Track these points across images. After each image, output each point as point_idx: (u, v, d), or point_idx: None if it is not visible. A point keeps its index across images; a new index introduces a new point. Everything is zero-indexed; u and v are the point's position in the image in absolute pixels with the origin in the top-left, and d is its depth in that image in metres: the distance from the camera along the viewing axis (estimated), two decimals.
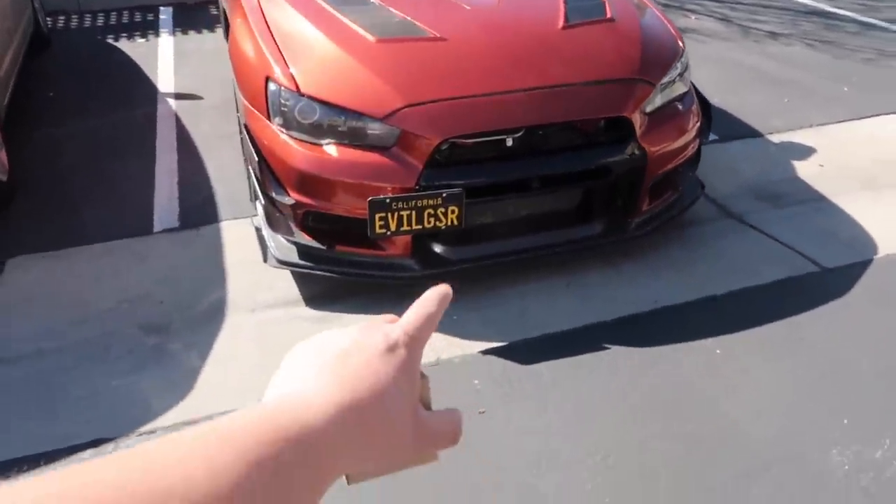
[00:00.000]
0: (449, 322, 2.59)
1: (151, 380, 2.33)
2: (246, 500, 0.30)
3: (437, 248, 2.67)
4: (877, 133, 4.23)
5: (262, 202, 2.72)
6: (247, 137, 2.79)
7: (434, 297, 0.48)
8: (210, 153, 3.95)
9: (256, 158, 2.63)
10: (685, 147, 2.90)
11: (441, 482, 1.93)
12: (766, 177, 3.70)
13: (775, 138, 4.14)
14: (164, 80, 5.10)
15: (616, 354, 2.40)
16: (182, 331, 2.57)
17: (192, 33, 6.26)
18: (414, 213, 2.43)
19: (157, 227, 3.24)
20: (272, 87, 2.59)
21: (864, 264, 2.91)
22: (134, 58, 5.40)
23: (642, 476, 1.95)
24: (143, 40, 5.86)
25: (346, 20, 2.76)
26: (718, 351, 2.42)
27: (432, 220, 2.47)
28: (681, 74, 2.91)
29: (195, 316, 2.65)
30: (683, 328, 2.53)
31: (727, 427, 2.10)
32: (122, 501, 0.27)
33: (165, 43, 5.87)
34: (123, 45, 5.71)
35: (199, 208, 3.38)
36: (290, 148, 2.54)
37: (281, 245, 2.72)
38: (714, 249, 3.03)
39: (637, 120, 2.67)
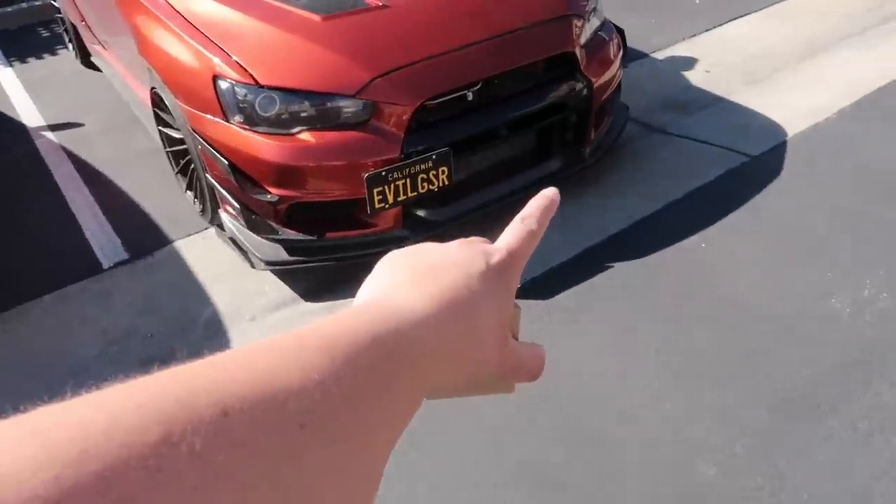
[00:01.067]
0: None
1: None
2: (354, 406, 0.28)
3: (424, 214, 2.70)
4: (738, 34, 4.71)
5: (236, 207, 2.61)
6: (199, 146, 2.64)
7: (536, 210, 0.45)
8: (123, 178, 3.67)
9: (224, 163, 2.51)
10: (615, 73, 3.10)
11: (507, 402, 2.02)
12: (667, 90, 4.03)
13: (660, 55, 4.50)
14: (27, 114, 4.63)
15: (620, 269, 2.59)
16: (191, 355, 2.42)
17: (31, 60, 5.69)
18: (408, 180, 2.45)
19: (105, 263, 3.00)
20: (223, 84, 2.47)
21: (781, 146, 3.29)
22: None
23: (690, 356, 2.15)
24: None
25: (279, 4, 2.66)
26: (703, 245, 2.67)
27: (425, 184, 2.50)
28: (596, 5, 3.10)
29: (196, 339, 2.53)
30: (665, 232, 2.76)
31: (737, 303, 2.35)
32: (236, 413, 0.24)
33: (5, 76, 5.30)
34: None
35: (141, 235, 3.16)
36: (261, 144, 2.45)
37: (265, 246, 2.64)
38: (656, 162, 3.30)
39: (578, 54, 2.83)
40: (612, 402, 2.04)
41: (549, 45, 2.76)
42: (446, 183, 2.53)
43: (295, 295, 2.69)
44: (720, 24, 4.90)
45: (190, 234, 3.13)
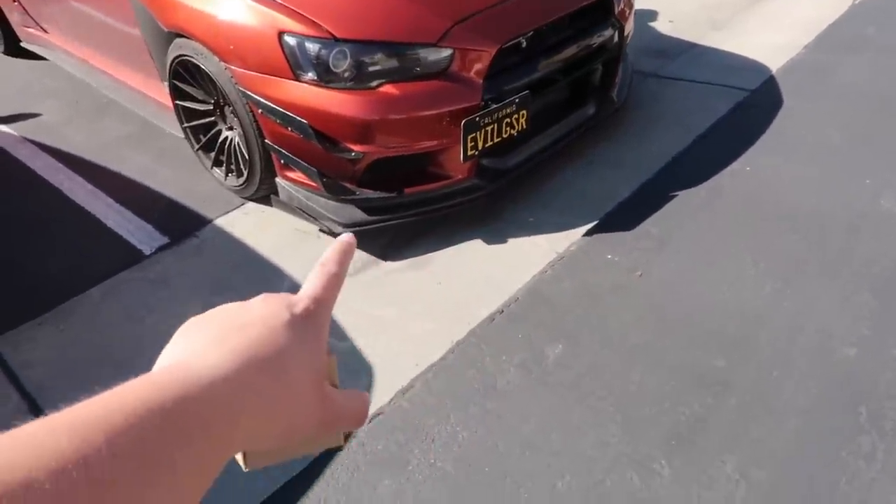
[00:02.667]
0: (529, 224, 2.72)
1: None
2: (104, 490, 0.27)
3: (490, 163, 2.73)
4: None
5: (310, 170, 2.52)
6: (258, 110, 2.52)
7: (334, 255, 0.45)
8: (117, 163, 3.40)
9: (299, 123, 2.41)
10: (632, 17, 3.26)
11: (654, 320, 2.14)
12: (642, 40, 4.26)
13: None
14: None
15: (685, 197, 2.76)
16: None
17: None
18: (495, 125, 2.48)
19: (146, 250, 2.79)
20: (291, 40, 2.37)
21: (771, 80, 3.60)
22: None
23: (787, 260, 2.35)
24: None
25: None
26: (748, 168, 2.89)
27: (508, 128, 2.54)
28: None
29: None
30: (708, 162, 2.96)
31: (806, 211, 2.59)
32: None
33: None
34: None
35: (172, 218, 2.96)
36: (340, 100, 2.38)
37: (341, 209, 2.57)
38: (665, 102, 3.50)
39: None
40: (735, 307, 2.20)
41: None
42: (525, 127, 2.58)
43: (372, 257, 2.64)
44: None
45: (227, 212, 2.97)
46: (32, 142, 3.68)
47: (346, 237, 0.47)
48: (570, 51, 2.78)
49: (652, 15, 4.62)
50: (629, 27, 3.16)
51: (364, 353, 2.21)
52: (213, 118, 2.93)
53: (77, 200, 3.14)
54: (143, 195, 3.14)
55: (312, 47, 2.35)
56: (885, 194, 2.63)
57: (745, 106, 3.38)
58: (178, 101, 2.98)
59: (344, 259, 0.45)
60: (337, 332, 2.30)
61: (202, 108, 2.92)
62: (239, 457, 0.39)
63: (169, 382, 0.32)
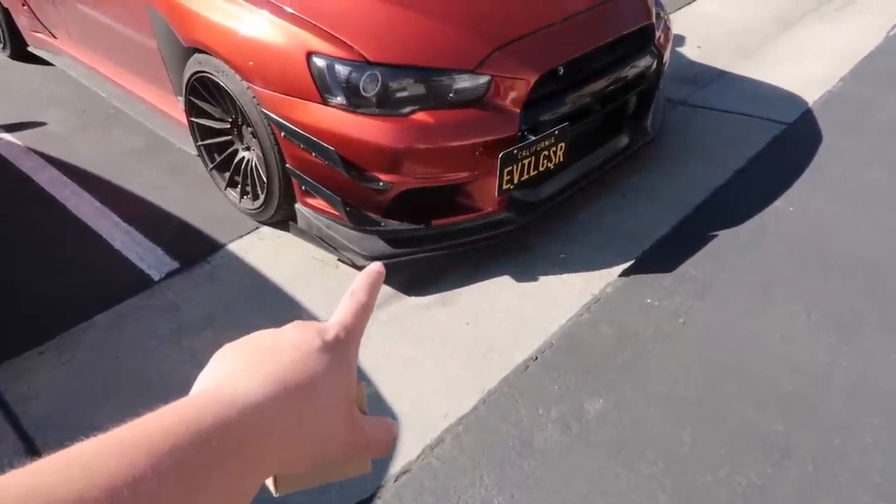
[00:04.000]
0: (561, 260, 2.57)
1: None
2: None
3: (521, 195, 2.59)
4: (710, 12, 4.94)
5: (331, 199, 2.37)
6: (281, 132, 2.37)
7: (363, 285, 0.46)
8: (127, 179, 3.26)
9: (325, 149, 2.27)
10: (670, 45, 3.13)
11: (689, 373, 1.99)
12: (671, 67, 4.13)
13: None
14: None
15: (726, 236, 2.61)
16: None
17: None
18: (533, 158, 2.34)
19: (155, 275, 2.63)
20: (319, 62, 2.23)
21: (808, 113, 3.47)
22: None
23: (841, 311, 2.20)
24: None
25: None
26: (791, 208, 2.75)
27: (545, 161, 2.40)
28: None
29: None
30: (749, 198, 2.82)
31: (855, 257, 2.45)
32: None
33: None
34: None
35: (183, 241, 2.81)
36: (370, 126, 2.24)
37: (364, 240, 2.43)
38: (699, 133, 3.37)
39: (655, 25, 2.83)
40: (789, 362, 2.05)
41: (637, 17, 2.72)
42: (562, 160, 2.44)
43: (395, 291, 2.49)
44: (687, 3, 5.11)
45: (242, 236, 2.82)
46: (37, 152, 3.53)
47: (376, 266, 0.47)
48: (610, 79, 2.65)
49: (679, 40, 4.49)
50: (667, 55, 3.03)
51: (388, 400, 2.05)
52: (229, 137, 2.78)
53: (84, 218, 2.99)
54: (152, 215, 2.99)
55: (342, 70, 2.21)
56: None
57: (784, 140, 3.24)
58: (193, 118, 2.84)
59: (373, 289, 0.46)
60: (359, 373, 2.14)
61: (218, 127, 2.78)
62: (269, 482, 0.39)
63: (205, 406, 0.34)
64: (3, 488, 0.27)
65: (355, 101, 2.23)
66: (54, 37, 4.07)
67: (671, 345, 2.16)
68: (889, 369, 2.00)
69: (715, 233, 2.64)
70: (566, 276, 2.50)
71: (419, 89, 2.26)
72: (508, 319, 2.33)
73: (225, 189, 2.92)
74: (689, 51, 4.34)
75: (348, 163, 2.28)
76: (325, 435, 0.38)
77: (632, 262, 2.53)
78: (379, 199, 2.37)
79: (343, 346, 0.41)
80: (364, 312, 0.44)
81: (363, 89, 2.22)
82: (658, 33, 2.86)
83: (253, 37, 2.36)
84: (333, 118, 2.26)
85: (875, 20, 4.53)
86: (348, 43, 2.22)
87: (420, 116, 2.26)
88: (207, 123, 2.80)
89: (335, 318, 0.43)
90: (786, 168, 3.01)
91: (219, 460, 0.32)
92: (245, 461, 0.33)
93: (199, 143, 2.90)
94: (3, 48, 4.70)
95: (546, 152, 2.36)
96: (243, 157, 2.77)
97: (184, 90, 2.76)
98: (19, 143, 3.64)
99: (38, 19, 4.04)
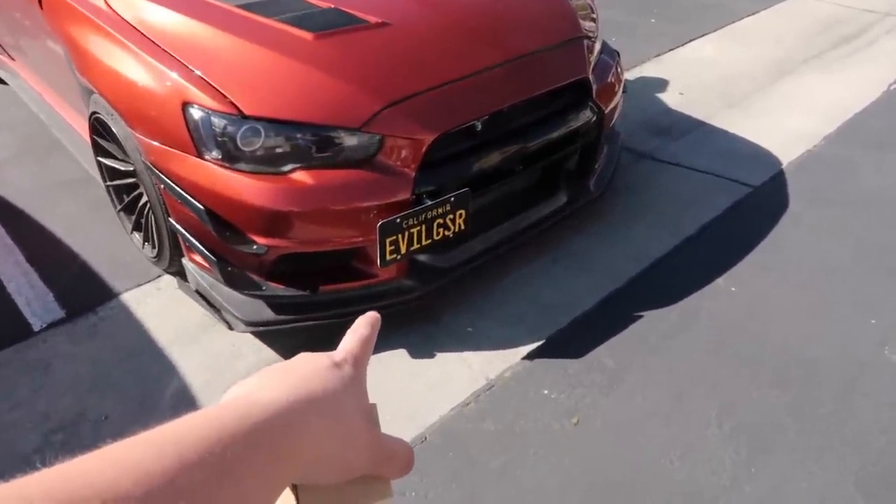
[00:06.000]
0: (467, 334, 2.34)
1: None
2: (181, 500, 0.30)
3: (429, 260, 2.37)
4: (700, 56, 4.65)
5: (209, 259, 2.18)
6: (160, 185, 2.20)
7: (364, 322, 0.50)
8: (47, 213, 3.12)
9: (196, 207, 2.08)
10: (619, 99, 2.88)
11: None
12: (645, 114, 3.87)
13: (630, 75, 4.34)
14: None
15: (653, 318, 2.35)
16: None
17: None
18: (424, 227, 2.11)
19: (36, 324, 2.47)
20: (196, 113, 2.05)
21: (780, 175, 3.17)
22: None
23: (759, 425, 1.92)
24: None
25: (258, 17, 2.26)
26: (733, 288, 2.47)
27: (441, 230, 2.17)
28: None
29: (163, 419, 2.07)
30: (689, 273, 2.55)
31: (792, 356, 2.16)
32: None
33: None
34: None
35: (78, 287, 2.65)
36: (244, 185, 2.05)
37: (245, 304, 2.23)
38: (655, 192, 3.10)
39: (592, 79, 2.59)
40: (684, 484, 1.78)
41: (566, 71, 2.49)
42: (463, 228, 2.21)
43: (280, 358, 2.28)
44: (682, 45, 4.83)
45: (140, 284, 2.65)
46: None
47: (373, 313, 0.51)
48: (536, 136, 2.42)
49: (661, 84, 4.23)
50: (614, 105, 2.78)
51: None
52: (133, 179, 2.62)
53: None
54: (59, 255, 2.84)
55: (218, 122, 2.03)
56: (893, 341, 2.18)
57: (745, 206, 2.96)
58: (99, 157, 2.69)
59: (374, 327, 0.49)
60: None
61: (122, 168, 2.62)
62: (291, 500, 0.40)
63: (232, 408, 0.36)
64: (30, 483, 0.28)
65: (229, 156, 2.04)
66: (12, 59, 4.00)
67: (556, 451, 1.90)
68: (794, 500, 1.71)
69: (642, 313, 2.37)
70: (466, 355, 2.26)
71: (300, 146, 2.06)
72: (390, 402, 2.09)
73: (131, 233, 2.76)
74: (670, 97, 4.07)
75: (220, 223, 2.09)
76: (350, 444, 0.40)
77: (541, 342, 2.28)
78: (260, 262, 2.17)
79: (351, 368, 0.44)
80: (367, 344, 0.47)
81: (241, 144, 2.03)
82: (599, 85, 2.61)
83: (133, 81, 2.19)
84: (207, 174, 2.07)
85: (879, 72, 4.20)
86: (224, 94, 2.04)
87: (300, 176, 2.06)
88: (111, 164, 2.64)
89: (341, 347, 0.46)
90: (739, 239, 2.73)
91: (247, 452, 0.33)
92: (275, 456, 0.35)
93: (107, 183, 2.74)
94: None
95: (441, 220, 2.13)
96: (146, 202, 2.61)
97: (85, 127, 2.62)
98: None
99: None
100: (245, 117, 2.02)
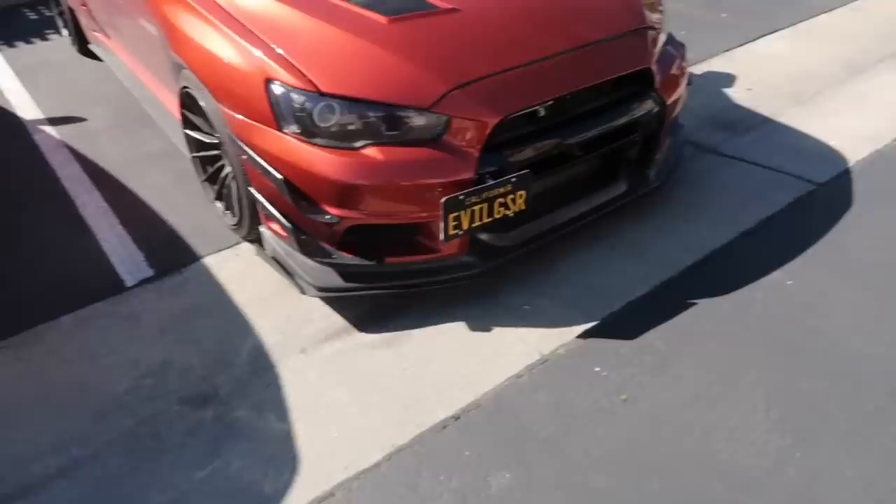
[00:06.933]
0: (523, 312, 2.44)
1: (241, 460, 1.94)
2: None
3: (489, 239, 2.48)
4: (772, 52, 4.58)
5: (286, 226, 2.35)
6: (243, 155, 2.37)
7: None
8: (137, 181, 3.37)
9: (276, 177, 2.24)
10: (683, 92, 2.91)
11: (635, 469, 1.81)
12: (711, 108, 3.87)
13: (697, 70, 4.33)
14: (21, 105, 4.28)
15: (706, 306, 2.40)
16: (237, 394, 2.17)
17: (20, 45, 5.32)
18: (486, 205, 2.22)
19: (128, 280, 2.70)
20: (277, 89, 2.21)
21: (846, 173, 3.14)
22: None
23: (808, 413, 1.96)
24: None
25: (338, 2, 2.41)
26: (790, 282, 2.49)
27: (501, 209, 2.28)
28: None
29: (241, 373, 2.26)
30: (745, 266, 2.58)
31: (847, 350, 2.18)
32: None
33: None
34: None
35: (166, 249, 2.87)
36: (320, 158, 2.20)
37: (316, 270, 2.38)
38: (717, 186, 3.12)
39: (655, 69, 2.64)
40: (727, 464, 1.84)
41: (629, 60, 2.55)
42: (523, 208, 2.31)
43: (348, 324, 2.44)
44: (752, 40, 4.77)
45: (221, 250, 2.85)
46: (69, 147, 3.72)
47: None
48: (597, 124, 2.49)
49: (729, 80, 4.20)
50: (677, 97, 2.81)
51: (298, 443, 2.00)
52: (217, 151, 2.82)
53: (85, 217, 3.12)
54: (148, 219, 3.08)
55: (297, 98, 2.18)
56: None
57: (808, 203, 2.95)
58: (186, 130, 2.90)
59: None
60: (279, 410, 2.11)
61: (207, 140, 2.82)
62: None
63: None
64: None
65: (306, 131, 2.20)
66: (108, 37, 4.28)
67: (603, 424, 1.99)
68: (837, 488, 1.76)
69: (695, 301, 2.42)
70: (522, 331, 2.36)
71: (372, 124, 2.19)
72: (446, 370, 2.22)
73: (213, 201, 2.96)
74: (738, 93, 4.04)
75: (296, 192, 2.25)
76: None
77: (595, 323, 2.36)
78: (331, 232, 2.32)
79: None
80: None
81: (317, 120, 2.18)
82: (661, 77, 2.66)
83: (221, 57, 2.37)
84: (286, 147, 2.23)
85: None
86: (303, 72, 2.19)
87: (371, 152, 2.19)
88: (197, 136, 2.84)
89: None
90: (799, 236, 2.73)
91: None
92: None
93: (193, 154, 2.95)
94: (73, 43, 5.02)
95: (501, 199, 2.23)
96: (228, 172, 2.80)
97: (174, 101, 2.83)
98: (57, 136, 3.85)
99: (94, 19, 4.27)
100: (322, 94, 2.17)
